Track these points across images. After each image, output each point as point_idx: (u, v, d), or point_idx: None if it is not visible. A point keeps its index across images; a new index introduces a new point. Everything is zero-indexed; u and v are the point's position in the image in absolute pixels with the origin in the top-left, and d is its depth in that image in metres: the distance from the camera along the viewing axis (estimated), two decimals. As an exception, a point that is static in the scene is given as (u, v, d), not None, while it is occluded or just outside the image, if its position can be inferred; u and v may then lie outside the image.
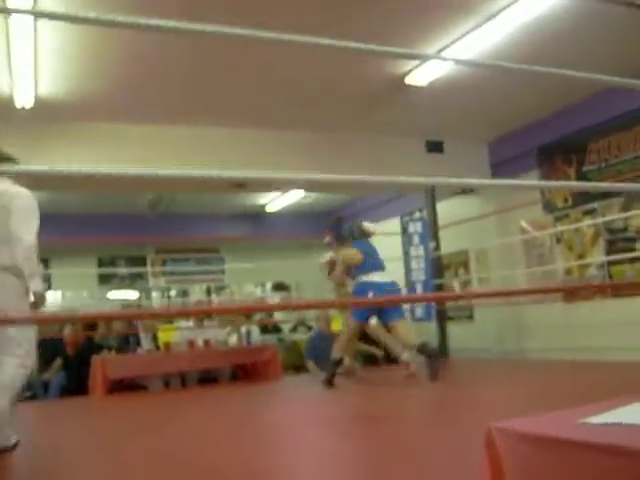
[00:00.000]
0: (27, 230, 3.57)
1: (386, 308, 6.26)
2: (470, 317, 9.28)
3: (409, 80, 6.42)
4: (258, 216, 12.28)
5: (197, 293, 12.83)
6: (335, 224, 7.20)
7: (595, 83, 5.86)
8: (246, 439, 3.79)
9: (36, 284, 3.53)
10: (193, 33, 1.98)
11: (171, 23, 1.77)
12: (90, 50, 5.40)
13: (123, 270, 12.03)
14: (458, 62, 2.99)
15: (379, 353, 8.60)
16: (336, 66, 5.98)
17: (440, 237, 9.04)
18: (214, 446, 3.63)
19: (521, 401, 4.45)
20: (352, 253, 6.47)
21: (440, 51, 5.73)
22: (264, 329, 9.55)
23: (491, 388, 5.52)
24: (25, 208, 3.65)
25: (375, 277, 6.34)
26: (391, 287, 6.35)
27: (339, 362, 6.47)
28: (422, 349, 6.10)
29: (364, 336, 8.70)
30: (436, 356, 6.11)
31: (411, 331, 6.47)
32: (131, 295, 12.25)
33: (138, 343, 7.86)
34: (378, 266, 6.44)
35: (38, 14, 4.54)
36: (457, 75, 6.30)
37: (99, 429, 4.77)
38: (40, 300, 3.56)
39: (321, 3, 4.89)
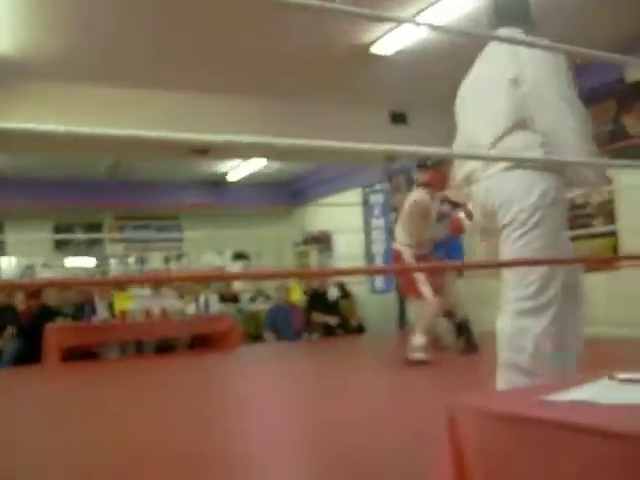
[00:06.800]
0: None
1: None
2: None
3: (374, 49, 6.33)
4: (219, 184, 12.11)
5: (155, 261, 12.66)
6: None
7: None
8: (200, 412, 3.73)
9: None
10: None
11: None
12: (50, 3, 5.19)
13: (80, 236, 11.78)
14: (432, 28, 2.94)
15: (333, 322, 8.61)
16: (299, 32, 5.85)
17: (401, 209, 9.02)
18: (164, 420, 3.56)
19: (484, 375, 4.44)
20: None
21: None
22: (223, 298, 9.47)
23: (451, 360, 5.48)
24: None
25: None
26: None
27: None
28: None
29: (319, 306, 8.69)
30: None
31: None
32: (88, 262, 12.04)
33: (93, 311, 7.74)
34: None
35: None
36: (422, 46, 6.22)
37: (46, 399, 4.66)
38: None
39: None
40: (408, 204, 5.73)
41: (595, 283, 6.77)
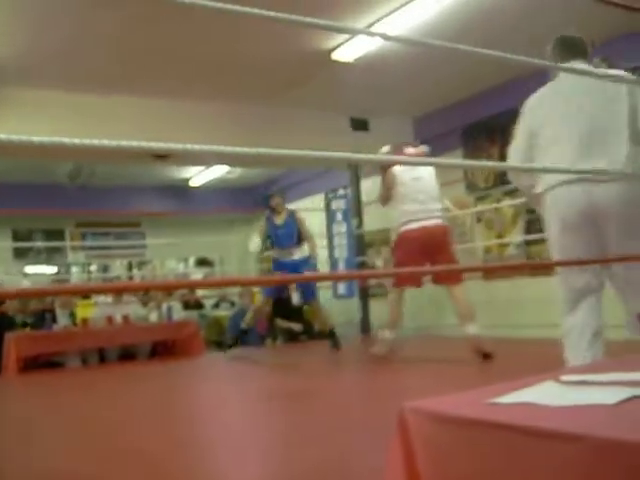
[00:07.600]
0: None
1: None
2: (392, 294, 9.37)
3: (336, 56, 6.36)
4: (181, 190, 12.05)
5: (118, 268, 12.55)
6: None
7: (521, 65, 5.91)
8: (167, 418, 3.72)
9: None
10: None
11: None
12: (5, 6, 5.13)
13: (40, 244, 11.60)
14: (386, 38, 2.94)
15: (297, 328, 8.61)
16: (261, 39, 5.86)
17: (363, 215, 9.08)
18: (130, 431, 3.55)
19: (438, 380, 4.50)
20: None
21: (368, 27, 5.69)
22: (186, 305, 9.43)
23: (408, 366, 5.54)
24: None
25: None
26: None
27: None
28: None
29: (283, 312, 8.68)
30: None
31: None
32: (49, 270, 11.87)
33: (54, 319, 7.65)
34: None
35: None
36: (384, 52, 6.26)
37: (5, 411, 4.60)
38: None
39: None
40: (431, 171, 5.61)
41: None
